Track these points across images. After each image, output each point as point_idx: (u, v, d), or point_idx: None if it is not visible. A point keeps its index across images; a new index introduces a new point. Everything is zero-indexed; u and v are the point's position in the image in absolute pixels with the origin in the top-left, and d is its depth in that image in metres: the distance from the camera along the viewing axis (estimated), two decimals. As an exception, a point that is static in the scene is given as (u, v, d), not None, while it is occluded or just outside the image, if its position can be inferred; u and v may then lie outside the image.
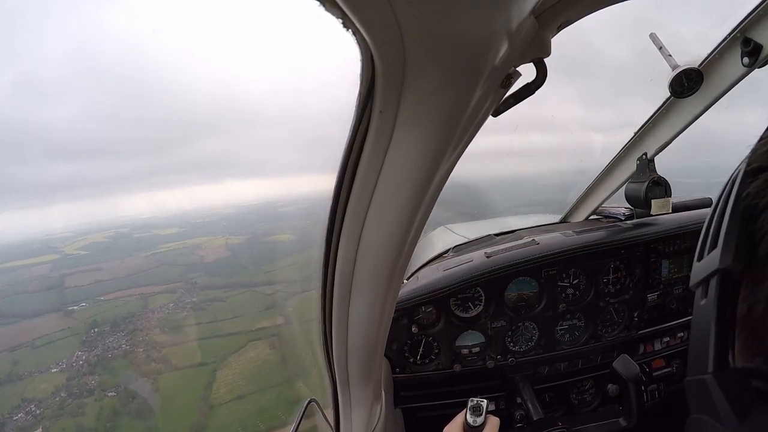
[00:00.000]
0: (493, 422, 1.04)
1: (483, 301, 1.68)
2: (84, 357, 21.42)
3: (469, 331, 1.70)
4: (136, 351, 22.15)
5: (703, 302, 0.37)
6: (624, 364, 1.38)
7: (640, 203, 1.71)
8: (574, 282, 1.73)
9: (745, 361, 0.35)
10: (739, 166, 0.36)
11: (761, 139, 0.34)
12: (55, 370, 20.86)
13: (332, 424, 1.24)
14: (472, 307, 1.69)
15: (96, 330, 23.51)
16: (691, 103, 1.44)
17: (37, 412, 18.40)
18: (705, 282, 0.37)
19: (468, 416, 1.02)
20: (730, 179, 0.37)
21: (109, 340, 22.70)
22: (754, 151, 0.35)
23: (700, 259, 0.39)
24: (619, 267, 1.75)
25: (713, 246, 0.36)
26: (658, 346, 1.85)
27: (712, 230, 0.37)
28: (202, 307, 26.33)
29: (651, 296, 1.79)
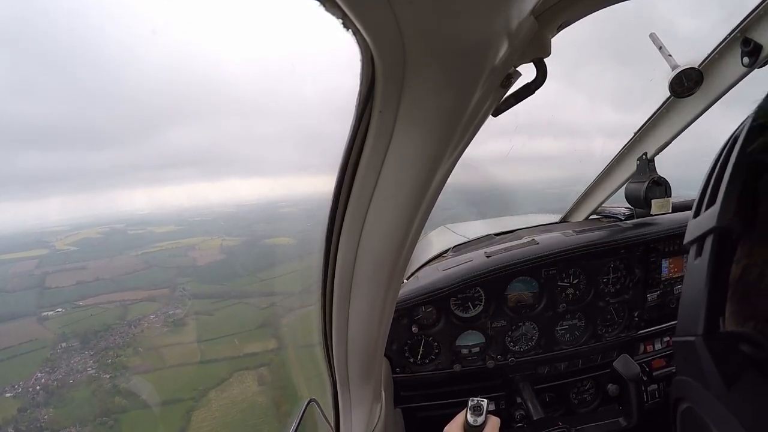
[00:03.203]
0: (494, 422, 1.04)
1: (483, 301, 1.68)
2: (43, 380, 17.94)
3: (469, 331, 1.70)
4: (102, 378, 18.45)
5: (696, 261, 0.35)
6: (624, 364, 1.38)
7: (640, 203, 1.71)
8: (574, 282, 1.73)
9: (735, 326, 0.34)
10: (743, 123, 0.34)
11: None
12: (9, 394, 17.55)
13: (332, 424, 1.24)
14: (472, 307, 1.69)
15: (64, 345, 20.20)
16: (691, 103, 1.44)
17: (-24, 454, 14.50)
18: (700, 240, 0.35)
19: (468, 416, 1.03)
20: (732, 136, 0.35)
21: (75, 360, 19.20)
22: (761, 107, 0.33)
23: (696, 215, 0.37)
24: (619, 267, 1.75)
25: (711, 202, 0.35)
26: (658, 346, 1.85)
27: (710, 187, 0.36)
28: (185, 321, 22.60)
29: (651, 296, 1.79)
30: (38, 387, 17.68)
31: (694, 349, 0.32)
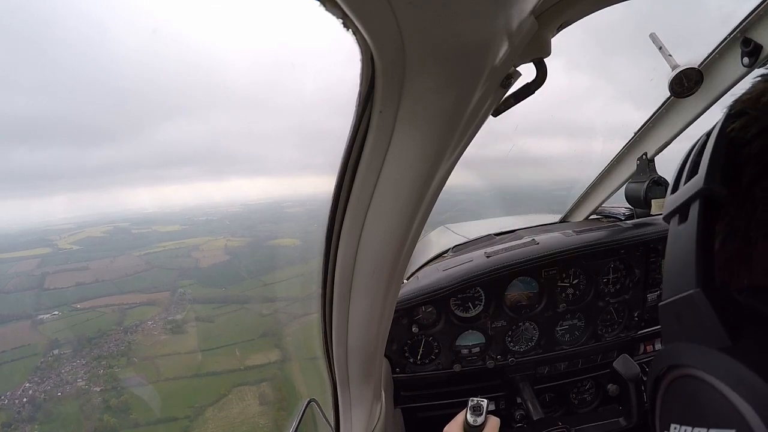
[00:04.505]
0: (494, 422, 1.04)
1: (483, 301, 1.68)
2: (31, 391, 16.43)
3: (469, 331, 1.70)
4: (92, 391, 16.73)
5: (681, 227, 0.35)
6: (624, 364, 1.38)
7: (640, 203, 1.71)
8: (574, 282, 1.73)
9: None
10: (719, 120, 0.37)
11: (745, 93, 0.35)
12: (-5, 406, 15.85)
13: (332, 424, 1.24)
14: (472, 307, 1.69)
15: (56, 352, 18.67)
16: (691, 103, 1.44)
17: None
18: (684, 207, 0.35)
19: (468, 416, 1.03)
20: (706, 133, 0.38)
21: (66, 370, 17.64)
22: (736, 101, 0.36)
23: (674, 191, 0.38)
24: (619, 267, 1.75)
25: (692, 174, 0.35)
26: (658, 346, 1.85)
27: (689, 163, 0.37)
28: (184, 329, 20.79)
29: (651, 296, 1.79)
30: (25, 399, 16.31)
31: (692, 304, 0.30)
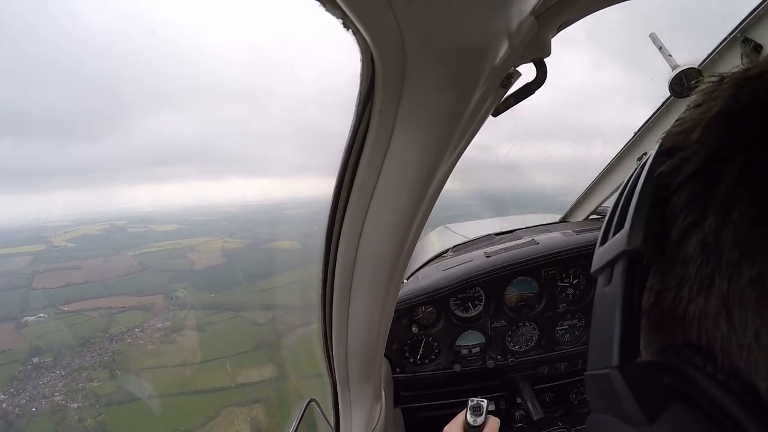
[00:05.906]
0: (494, 422, 1.04)
1: (483, 301, 1.68)
2: (4, 405, 15.01)
3: (469, 331, 1.70)
4: (68, 408, 15.21)
5: (606, 289, 0.32)
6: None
7: (640, 203, 1.71)
8: (574, 282, 1.73)
9: (651, 357, 0.33)
10: (650, 153, 0.34)
11: (677, 121, 0.32)
12: (-36, 423, 14.10)
13: (332, 424, 1.24)
14: (472, 307, 1.69)
15: (36, 360, 17.24)
16: (691, 103, 1.44)
17: None
18: (609, 266, 0.33)
19: (468, 416, 1.02)
20: (640, 163, 0.34)
21: (43, 382, 16.18)
22: (668, 134, 0.33)
23: (603, 243, 0.35)
24: (619, 267, 1.75)
25: (619, 228, 0.33)
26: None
27: (618, 213, 0.34)
28: (173, 339, 19.38)
29: None
30: (-3, 415, 14.57)
31: (610, 383, 0.29)
